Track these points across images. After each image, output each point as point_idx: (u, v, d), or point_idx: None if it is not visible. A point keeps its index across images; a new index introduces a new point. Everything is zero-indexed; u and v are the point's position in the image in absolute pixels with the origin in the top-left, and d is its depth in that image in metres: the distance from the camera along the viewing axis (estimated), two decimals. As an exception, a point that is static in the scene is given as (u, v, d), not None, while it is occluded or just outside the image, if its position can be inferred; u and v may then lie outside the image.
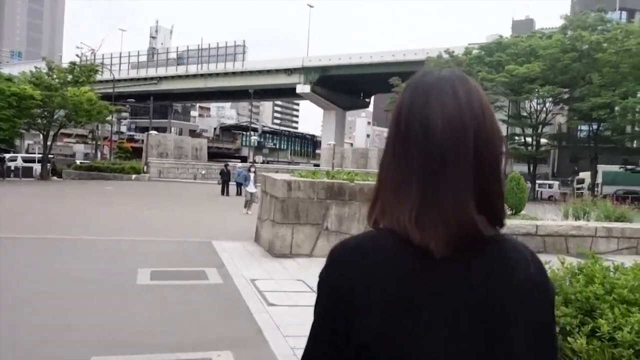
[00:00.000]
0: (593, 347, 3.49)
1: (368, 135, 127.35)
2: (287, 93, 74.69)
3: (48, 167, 36.39)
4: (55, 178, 36.72)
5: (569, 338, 3.65)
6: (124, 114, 79.11)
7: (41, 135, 36.61)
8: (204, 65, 73.00)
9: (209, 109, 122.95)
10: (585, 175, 46.44)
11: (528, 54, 41.14)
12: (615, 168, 45.73)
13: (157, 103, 74.69)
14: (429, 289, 0.80)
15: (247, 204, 18.53)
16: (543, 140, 47.68)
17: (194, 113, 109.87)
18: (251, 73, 69.45)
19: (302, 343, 0.87)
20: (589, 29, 40.58)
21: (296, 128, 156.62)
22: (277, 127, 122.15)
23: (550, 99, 43.51)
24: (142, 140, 54.29)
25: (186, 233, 12.45)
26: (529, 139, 45.08)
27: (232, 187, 28.02)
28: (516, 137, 45.71)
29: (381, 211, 0.87)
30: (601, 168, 44.68)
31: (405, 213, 0.82)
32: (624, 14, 62.27)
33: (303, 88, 66.40)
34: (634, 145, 44.87)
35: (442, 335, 0.79)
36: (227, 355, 4.65)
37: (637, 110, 37.87)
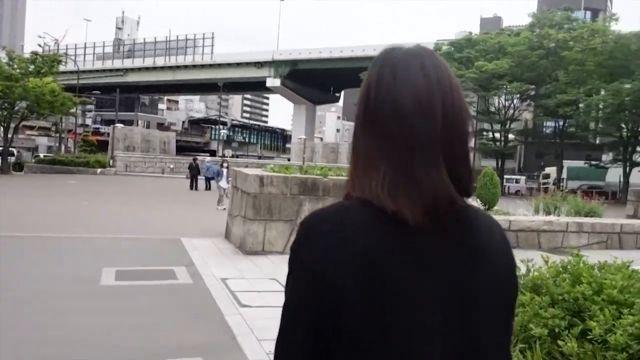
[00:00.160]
0: (584, 350, 3.35)
1: (338, 130, 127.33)
2: (257, 86, 73.93)
3: (9, 160, 35.19)
4: (14, 172, 35.50)
5: (558, 341, 3.50)
6: (89, 107, 76.75)
7: (1, 128, 35.41)
8: (172, 58, 71.54)
9: (177, 102, 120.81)
10: (551, 170, 47.48)
11: (497, 51, 41.75)
12: (579, 163, 46.88)
13: (123, 95, 72.72)
14: (407, 260, 0.80)
15: (220, 200, 18.28)
16: (511, 136, 48.56)
17: (162, 106, 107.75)
18: (220, 66, 68.45)
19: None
20: (556, 27, 41.41)
21: (266, 122, 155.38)
22: (246, 120, 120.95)
23: (518, 96, 44.31)
24: (108, 134, 53.22)
25: (154, 230, 11.99)
26: (497, 135, 45.82)
27: (201, 181, 27.48)
28: (484, 133, 46.37)
29: (354, 183, 0.87)
30: (566, 163, 45.73)
31: (378, 184, 0.82)
32: (589, 13, 63.96)
33: (273, 82, 65.86)
34: (597, 142, 46.04)
35: (424, 304, 0.79)
36: (197, 362, 4.36)
37: (601, 107, 38.81)
